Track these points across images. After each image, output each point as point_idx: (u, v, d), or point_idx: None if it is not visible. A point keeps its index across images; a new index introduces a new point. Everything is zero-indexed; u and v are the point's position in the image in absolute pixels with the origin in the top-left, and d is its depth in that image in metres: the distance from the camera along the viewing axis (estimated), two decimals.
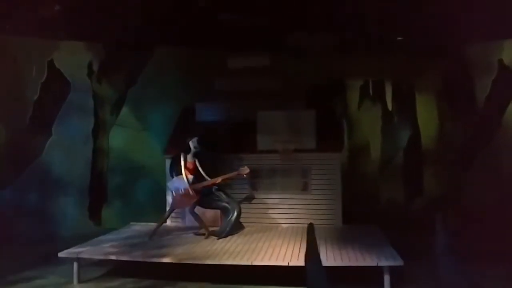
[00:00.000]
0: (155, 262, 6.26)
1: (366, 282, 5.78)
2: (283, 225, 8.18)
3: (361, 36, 9.45)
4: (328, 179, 8.21)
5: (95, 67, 9.74)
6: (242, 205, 7.87)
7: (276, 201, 8.29)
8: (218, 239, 7.24)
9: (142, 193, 9.98)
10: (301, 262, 5.75)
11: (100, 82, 9.86)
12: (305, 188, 8.28)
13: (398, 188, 10.42)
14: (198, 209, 7.68)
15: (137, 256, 6.44)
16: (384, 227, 7.71)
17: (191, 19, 8.65)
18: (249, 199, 8.32)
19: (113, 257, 6.46)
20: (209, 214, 7.97)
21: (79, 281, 6.40)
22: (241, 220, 7.84)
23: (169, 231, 7.88)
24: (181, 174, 7.50)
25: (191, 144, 7.59)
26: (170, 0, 7.82)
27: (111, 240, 7.31)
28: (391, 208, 10.09)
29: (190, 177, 7.47)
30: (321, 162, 8.22)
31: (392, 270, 5.66)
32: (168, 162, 8.15)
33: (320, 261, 5.25)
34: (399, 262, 5.62)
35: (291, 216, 8.20)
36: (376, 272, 5.72)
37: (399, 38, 9.79)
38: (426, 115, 10.44)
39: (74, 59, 9.48)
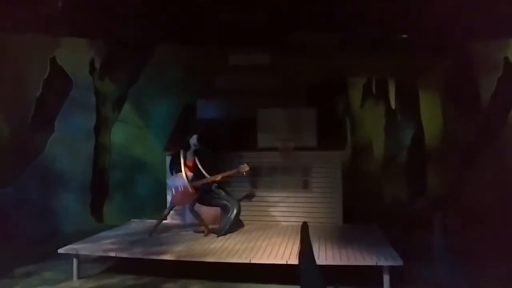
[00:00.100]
0: (155, 259, 6.27)
1: (366, 282, 5.74)
2: (283, 223, 8.15)
3: (364, 33, 9.37)
4: (328, 178, 8.15)
5: (97, 64, 9.74)
6: (242, 203, 7.86)
7: (276, 199, 8.25)
8: (217, 236, 7.24)
9: (144, 189, 10.00)
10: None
11: (102, 79, 9.87)
12: (305, 187, 8.24)
13: (401, 186, 10.37)
14: (198, 207, 7.68)
15: (136, 253, 6.45)
16: (386, 226, 7.67)
17: (192, 17, 8.64)
18: (249, 197, 8.29)
19: (112, 254, 6.47)
20: (209, 212, 7.95)
21: (79, 277, 6.43)
22: (241, 218, 7.83)
23: (169, 228, 7.88)
24: (181, 171, 7.49)
25: (190, 141, 7.59)
26: None
27: (111, 236, 7.33)
28: (394, 207, 10.04)
29: (190, 174, 7.46)
30: (321, 160, 8.17)
31: (392, 270, 5.63)
32: (168, 160, 8.14)
33: (314, 259, 5.22)
34: (398, 262, 5.57)
35: (291, 214, 8.17)
36: (376, 272, 5.68)
37: (403, 36, 9.71)
38: (430, 113, 10.37)
39: (76, 56, 9.49)
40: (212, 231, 7.43)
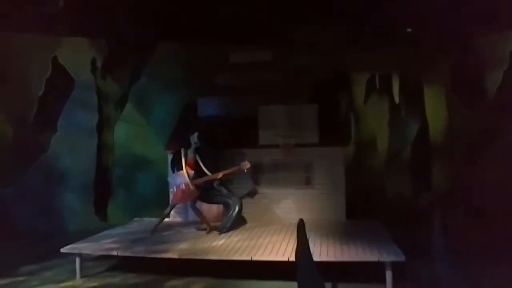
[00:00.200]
0: (157, 257, 6.25)
1: (369, 278, 5.70)
2: (285, 220, 8.09)
3: (368, 28, 9.29)
4: (331, 174, 8.12)
5: (98, 63, 9.74)
6: (244, 200, 7.84)
7: (278, 196, 8.24)
8: (219, 234, 7.23)
9: (147, 188, 10.00)
10: None
11: (104, 78, 9.87)
12: (308, 183, 8.21)
13: (405, 182, 10.26)
14: (199, 204, 7.67)
15: (138, 251, 6.45)
16: (390, 222, 7.62)
17: (193, 15, 8.61)
18: (251, 194, 8.28)
19: (114, 253, 6.47)
20: (211, 209, 7.94)
21: (82, 276, 6.44)
22: (243, 215, 7.82)
23: (171, 226, 7.90)
24: (182, 169, 7.47)
25: (191, 139, 7.58)
26: None
27: (114, 235, 7.35)
28: (398, 202, 9.95)
29: (191, 172, 7.44)
30: (324, 156, 8.13)
31: (395, 266, 5.57)
32: (170, 158, 8.13)
33: (311, 256, 5.19)
34: (400, 258, 5.52)
35: (294, 211, 8.13)
36: (378, 268, 5.63)
37: (408, 30, 9.61)
38: (435, 108, 10.24)
39: (77, 55, 9.50)
40: (214, 228, 7.42)
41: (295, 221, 7.85)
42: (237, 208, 7.47)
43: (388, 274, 5.54)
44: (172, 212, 8.00)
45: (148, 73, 10.08)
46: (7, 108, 9.10)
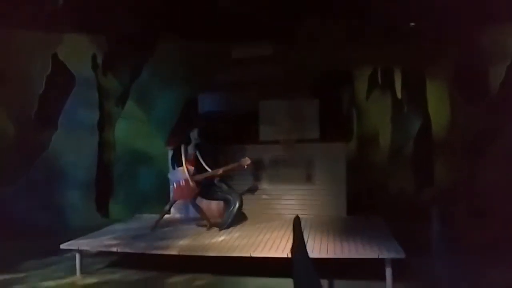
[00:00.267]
0: (157, 253, 6.25)
1: (369, 274, 5.67)
2: (286, 216, 8.03)
3: (370, 23, 9.21)
4: (332, 170, 8.06)
5: (99, 60, 9.72)
6: (244, 197, 7.80)
7: (279, 192, 8.20)
8: (219, 230, 7.21)
9: (149, 184, 9.98)
10: None
11: (105, 74, 9.85)
12: (309, 179, 8.16)
13: (407, 178, 10.21)
14: (199, 201, 7.66)
15: (138, 248, 6.44)
16: (392, 218, 7.58)
17: (193, 10, 8.57)
18: (252, 190, 8.25)
19: (114, 249, 6.48)
20: (212, 205, 7.93)
21: (82, 273, 6.45)
22: (244, 211, 7.79)
23: (172, 222, 7.88)
24: (182, 165, 7.46)
25: (191, 135, 7.57)
26: None
27: (114, 231, 7.35)
28: (400, 198, 9.90)
29: (191, 168, 7.43)
30: (325, 152, 8.08)
31: (395, 262, 5.53)
32: (170, 154, 8.12)
33: (306, 252, 5.18)
34: (401, 255, 5.46)
35: (294, 207, 8.09)
36: (379, 265, 5.59)
37: (411, 24, 9.52)
38: (437, 103, 10.16)
39: (78, 52, 9.47)
40: (215, 224, 7.41)
41: None
42: (237, 205, 7.44)
43: (388, 271, 5.50)
44: (172, 209, 7.99)
45: (149, 69, 10.05)
46: (8, 106, 9.10)
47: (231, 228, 7.28)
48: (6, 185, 9.06)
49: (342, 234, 6.62)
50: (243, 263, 5.96)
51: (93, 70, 9.73)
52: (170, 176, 7.85)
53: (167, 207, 7.72)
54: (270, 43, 9.24)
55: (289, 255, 5.65)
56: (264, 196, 8.28)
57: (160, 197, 8.93)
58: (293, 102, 8.36)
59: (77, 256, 6.46)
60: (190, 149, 7.61)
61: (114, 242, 6.68)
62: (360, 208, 8.39)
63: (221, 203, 7.79)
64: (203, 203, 7.69)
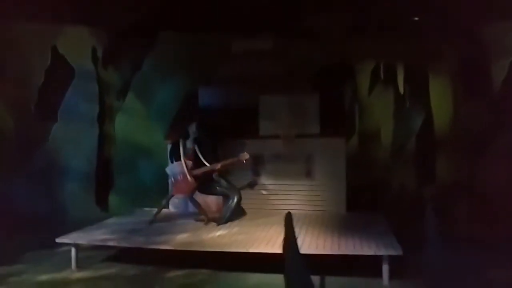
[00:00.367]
0: (153, 248, 6.21)
1: (367, 271, 5.61)
2: (285, 211, 7.94)
3: (372, 17, 9.10)
4: (332, 165, 7.99)
5: (99, 53, 9.66)
6: (244, 192, 7.75)
7: (278, 187, 8.15)
8: (217, 225, 7.17)
9: (149, 178, 9.95)
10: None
11: (105, 68, 9.80)
12: (308, 174, 8.10)
13: (409, 174, 10.12)
14: (199, 196, 7.61)
15: (134, 242, 6.41)
16: (393, 215, 7.53)
17: (194, 3, 8.49)
18: (251, 185, 8.20)
19: (110, 243, 6.45)
20: (211, 200, 7.89)
21: (78, 267, 6.42)
22: (243, 206, 7.74)
23: (170, 217, 7.85)
24: (180, 160, 7.41)
25: (189, 130, 7.51)
26: None
27: (111, 225, 7.32)
28: (402, 195, 9.83)
29: (189, 163, 7.38)
30: (325, 147, 8.01)
31: (393, 259, 5.46)
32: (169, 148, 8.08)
33: (297, 248, 5.13)
34: (398, 251, 5.40)
35: (294, 202, 8.05)
36: (377, 261, 5.54)
37: (415, 19, 9.41)
38: (440, 99, 10.05)
39: (77, 44, 9.41)
40: (213, 219, 7.37)
41: (294, 212, 7.80)
42: (236, 199, 7.39)
43: (385, 268, 5.45)
44: (171, 203, 7.95)
45: (149, 63, 9.98)
46: (8, 99, 9.07)
47: (229, 223, 7.23)
48: (6, 177, 9.03)
49: (340, 230, 6.57)
50: (242, 259, 5.91)
51: (93, 63, 9.67)
52: (167, 170, 7.80)
53: (164, 202, 7.68)
54: (270, 36, 9.13)
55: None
56: (263, 192, 8.22)
57: (160, 190, 8.89)
58: (293, 96, 8.28)
59: (73, 250, 6.42)
60: (189, 143, 7.55)
61: (110, 236, 6.65)
62: (361, 204, 8.32)
63: (218, 197, 7.75)
64: (199, 197, 7.62)
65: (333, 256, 5.60)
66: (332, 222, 7.09)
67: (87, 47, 9.55)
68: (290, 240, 5.36)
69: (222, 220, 7.29)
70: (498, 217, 7.83)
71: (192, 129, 7.53)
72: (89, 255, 6.85)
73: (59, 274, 6.19)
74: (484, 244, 6.78)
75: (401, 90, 10.24)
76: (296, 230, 6.59)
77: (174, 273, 6.14)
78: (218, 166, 7.36)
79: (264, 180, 8.26)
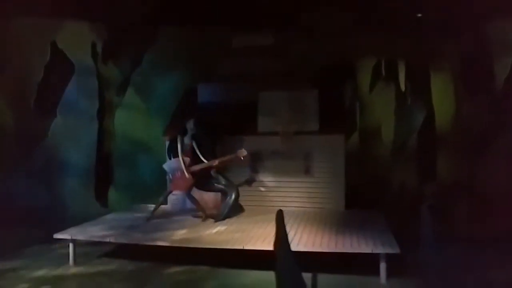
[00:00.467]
0: (150, 245, 6.19)
1: (365, 269, 5.58)
2: (283, 209, 7.93)
3: (374, 13, 9.04)
4: (331, 162, 7.96)
5: (98, 48, 9.64)
6: (242, 188, 7.74)
7: (277, 184, 8.12)
8: (215, 222, 7.15)
9: (148, 174, 9.93)
10: (295, 247, 5.57)
11: (105, 63, 9.78)
12: (307, 171, 8.06)
13: (410, 172, 10.07)
14: (197, 192, 7.59)
15: (132, 238, 6.41)
16: (393, 213, 7.48)
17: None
18: (249, 182, 8.18)
19: (108, 239, 6.44)
20: (208, 197, 7.87)
21: (75, 263, 6.42)
22: (241, 203, 7.72)
23: (168, 213, 7.84)
24: (178, 156, 7.38)
25: (187, 126, 7.48)
26: None
27: (109, 221, 7.33)
28: (402, 193, 9.78)
29: (187, 159, 7.36)
30: (324, 144, 7.97)
31: (391, 257, 5.42)
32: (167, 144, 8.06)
33: (289, 246, 5.11)
34: (395, 250, 5.35)
35: (292, 199, 8.02)
36: (375, 259, 5.50)
37: (418, 15, 9.33)
38: (442, 97, 9.98)
39: (77, 40, 9.40)
40: (210, 216, 7.35)
41: (293, 210, 7.79)
42: (233, 196, 7.37)
43: (382, 266, 5.41)
44: (168, 199, 7.94)
45: (149, 58, 9.95)
46: (7, 94, 9.07)
47: (227, 220, 7.22)
48: (5, 173, 9.05)
49: (339, 227, 6.53)
50: (239, 255, 5.88)
51: (93, 58, 9.65)
52: (165, 167, 7.78)
53: (161, 198, 7.67)
54: (271, 33, 9.08)
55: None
56: (261, 188, 8.19)
57: (159, 187, 8.87)
58: (292, 93, 8.24)
59: (71, 245, 6.42)
60: (187, 139, 7.53)
61: (108, 232, 6.64)
62: (360, 202, 8.27)
63: (216, 194, 7.73)
64: (197, 194, 7.60)
65: (331, 253, 5.57)
66: (330, 220, 7.06)
67: (86, 42, 9.54)
68: (281, 238, 5.33)
69: (220, 216, 7.27)
70: (498, 217, 7.77)
71: (190, 125, 7.51)
72: (87, 251, 6.87)
73: (57, 270, 6.19)
74: (483, 244, 6.74)
75: (403, 87, 10.17)
76: (294, 227, 6.58)
77: (172, 270, 6.14)
78: (215, 162, 7.34)
79: (263, 177, 8.23)
